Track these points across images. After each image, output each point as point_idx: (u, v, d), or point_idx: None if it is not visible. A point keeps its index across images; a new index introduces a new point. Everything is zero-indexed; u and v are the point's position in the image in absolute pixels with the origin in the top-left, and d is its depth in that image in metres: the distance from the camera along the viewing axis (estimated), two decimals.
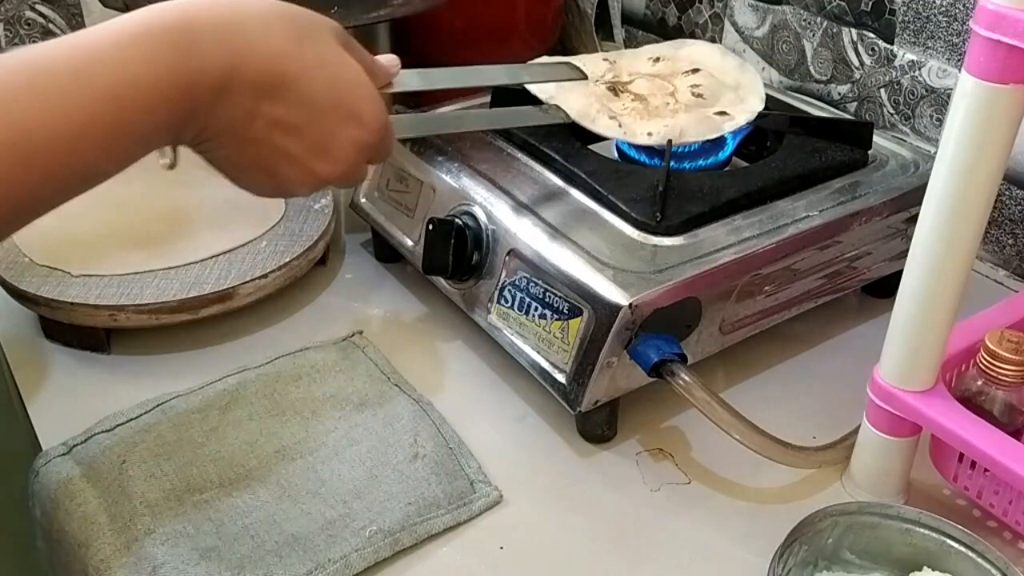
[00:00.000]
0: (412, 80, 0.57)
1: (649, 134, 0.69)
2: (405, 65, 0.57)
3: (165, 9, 0.43)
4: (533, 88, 0.72)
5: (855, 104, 0.91)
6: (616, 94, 0.73)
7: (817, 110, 0.84)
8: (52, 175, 0.39)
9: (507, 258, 0.65)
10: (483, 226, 0.67)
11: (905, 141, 0.82)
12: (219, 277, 0.71)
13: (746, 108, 0.73)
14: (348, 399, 0.65)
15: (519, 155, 0.73)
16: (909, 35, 0.84)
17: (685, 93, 0.74)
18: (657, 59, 0.78)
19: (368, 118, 0.50)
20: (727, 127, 0.72)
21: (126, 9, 0.86)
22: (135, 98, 0.41)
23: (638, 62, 0.78)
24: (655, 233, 0.64)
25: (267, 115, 0.46)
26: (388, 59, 0.56)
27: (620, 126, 0.70)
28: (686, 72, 0.76)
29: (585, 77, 0.73)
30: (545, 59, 0.77)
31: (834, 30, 0.91)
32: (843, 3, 0.89)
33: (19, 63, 0.39)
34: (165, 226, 0.77)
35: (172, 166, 0.49)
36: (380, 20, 0.88)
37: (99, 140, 0.40)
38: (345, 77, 0.49)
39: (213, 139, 0.46)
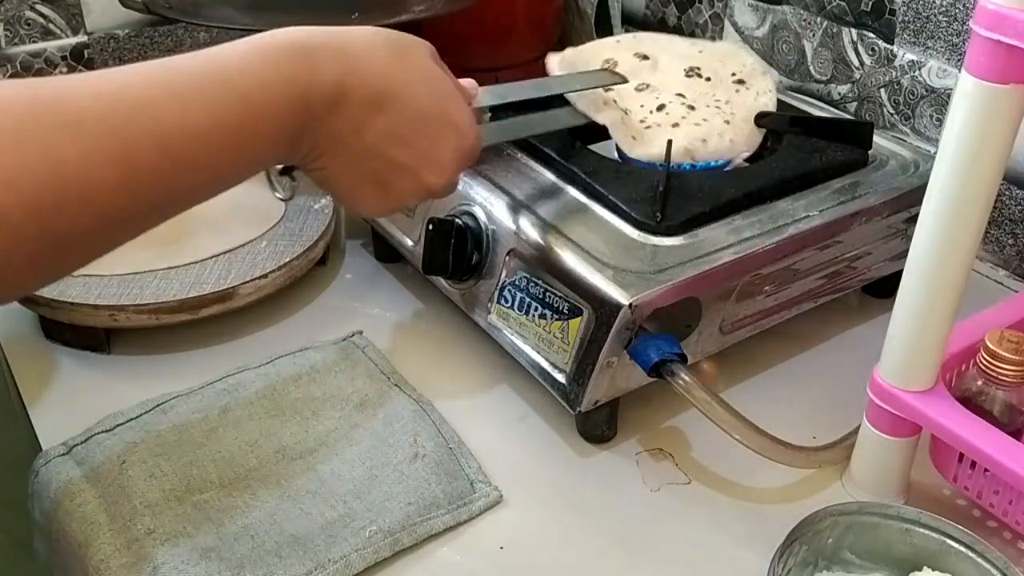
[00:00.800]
0: (485, 97, 0.61)
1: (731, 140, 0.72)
2: None
3: (285, 31, 0.47)
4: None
5: (855, 104, 0.91)
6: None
7: (817, 110, 0.84)
8: (189, 172, 0.43)
9: (507, 258, 0.65)
10: (483, 226, 0.67)
11: (905, 141, 0.82)
12: (219, 277, 0.71)
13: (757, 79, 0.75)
14: (348, 399, 0.65)
15: (519, 155, 0.73)
16: (909, 35, 0.84)
17: (678, 77, 0.75)
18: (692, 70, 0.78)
19: (464, 126, 0.54)
20: (764, 99, 0.74)
21: (145, 9, 0.86)
22: (262, 101, 0.44)
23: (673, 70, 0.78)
24: (655, 233, 0.64)
25: (376, 127, 0.50)
26: (468, 82, 0.59)
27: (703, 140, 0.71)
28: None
29: (625, 80, 0.73)
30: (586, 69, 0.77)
31: (834, 30, 0.91)
32: (843, 3, 0.89)
33: (156, 68, 0.43)
34: (165, 226, 0.77)
35: (290, 198, 0.52)
36: (401, 24, 0.88)
37: (229, 139, 0.43)
38: (443, 90, 0.53)
39: (327, 153, 0.49)
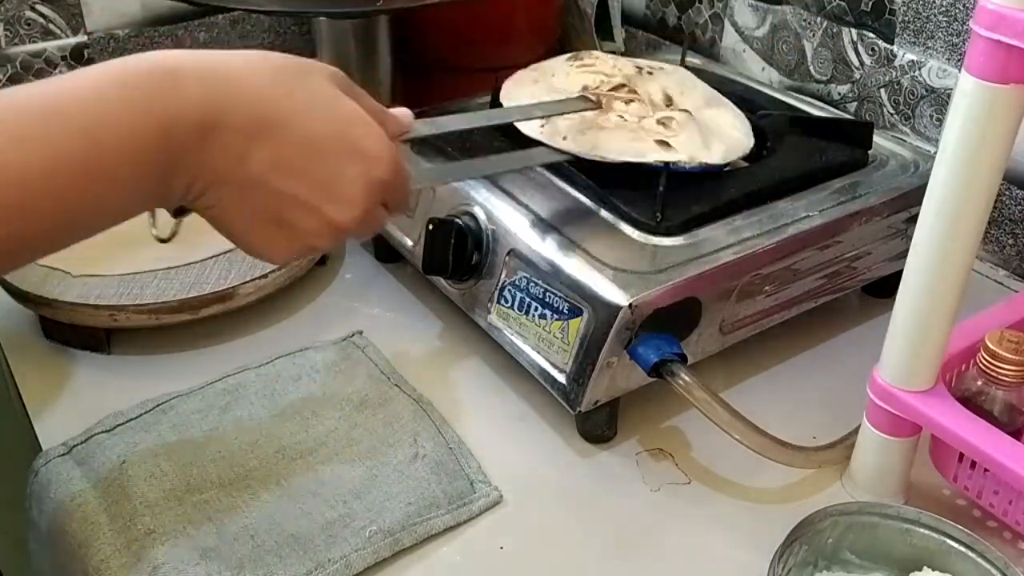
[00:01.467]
0: (424, 128, 0.57)
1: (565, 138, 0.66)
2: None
3: (149, 56, 0.42)
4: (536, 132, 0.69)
5: (855, 104, 0.91)
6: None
7: (817, 110, 0.84)
8: (37, 217, 0.38)
9: (507, 258, 0.65)
10: (483, 226, 0.67)
11: (905, 141, 0.82)
12: (219, 277, 0.71)
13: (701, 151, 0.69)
14: (348, 399, 0.65)
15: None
16: (909, 35, 0.84)
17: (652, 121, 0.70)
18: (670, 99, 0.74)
19: (373, 153, 0.48)
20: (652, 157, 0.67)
21: None
22: (110, 139, 0.39)
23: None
24: (655, 233, 0.64)
25: (260, 157, 0.44)
26: (401, 111, 0.55)
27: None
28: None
29: (599, 106, 0.69)
30: (555, 97, 0.72)
31: (834, 30, 0.91)
32: (843, 3, 0.89)
33: (1, 100, 0.38)
34: (165, 227, 0.77)
35: (168, 239, 0.48)
36: (425, 6, 0.86)
37: (73, 181, 0.39)
38: (342, 114, 0.47)
39: (209, 190, 0.44)
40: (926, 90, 0.84)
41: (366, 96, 0.50)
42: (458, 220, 0.67)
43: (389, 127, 0.51)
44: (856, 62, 0.90)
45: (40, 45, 1.01)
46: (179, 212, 0.48)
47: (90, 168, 0.39)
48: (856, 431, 0.59)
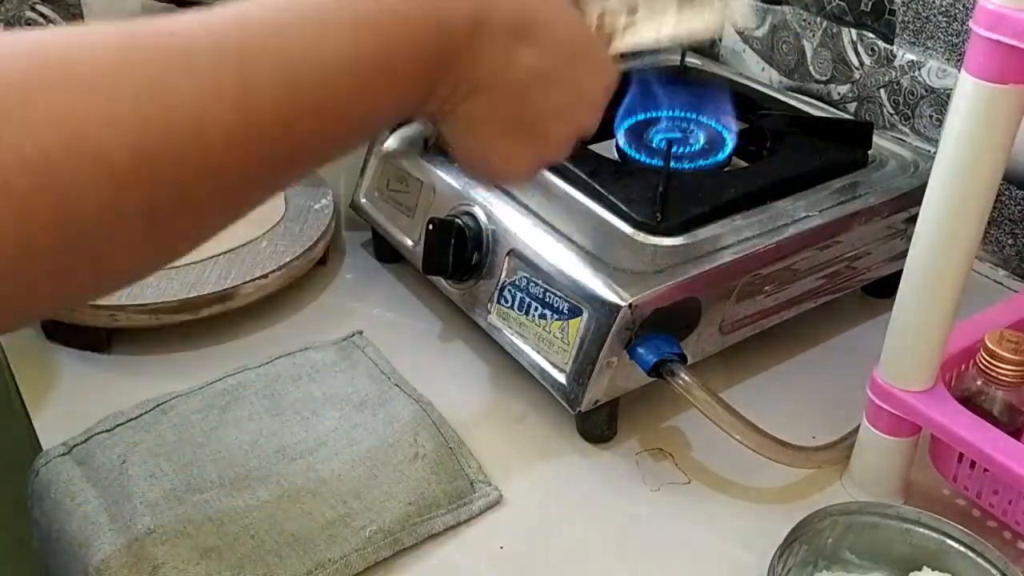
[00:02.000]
0: None
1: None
2: None
3: None
4: None
5: (855, 104, 0.91)
6: None
7: (817, 110, 0.84)
8: (318, 114, 0.36)
9: (507, 258, 0.65)
10: (483, 226, 0.67)
11: (905, 141, 0.82)
12: (219, 277, 0.71)
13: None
14: (348, 399, 0.65)
15: None
16: (909, 35, 0.84)
17: None
18: None
19: (606, 57, 0.48)
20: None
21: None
22: (399, 33, 0.38)
23: None
24: (655, 233, 0.64)
25: (524, 61, 0.42)
26: None
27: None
28: None
29: None
30: None
31: (834, 30, 0.91)
32: (843, 3, 0.90)
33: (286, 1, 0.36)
34: None
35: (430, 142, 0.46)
36: None
37: (368, 78, 0.37)
38: (579, 19, 0.47)
39: (470, 95, 0.42)
40: (926, 90, 0.84)
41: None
42: (458, 220, 0.67)
43: None
44: (856, 62, 0.90)
45: None
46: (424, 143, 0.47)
47: (382, 64, 0.38)
48: (856, 431, 0.59)
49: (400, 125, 0.59)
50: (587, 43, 0.46)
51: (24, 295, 0.31)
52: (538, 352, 0.63)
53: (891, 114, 0.88)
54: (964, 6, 0.79)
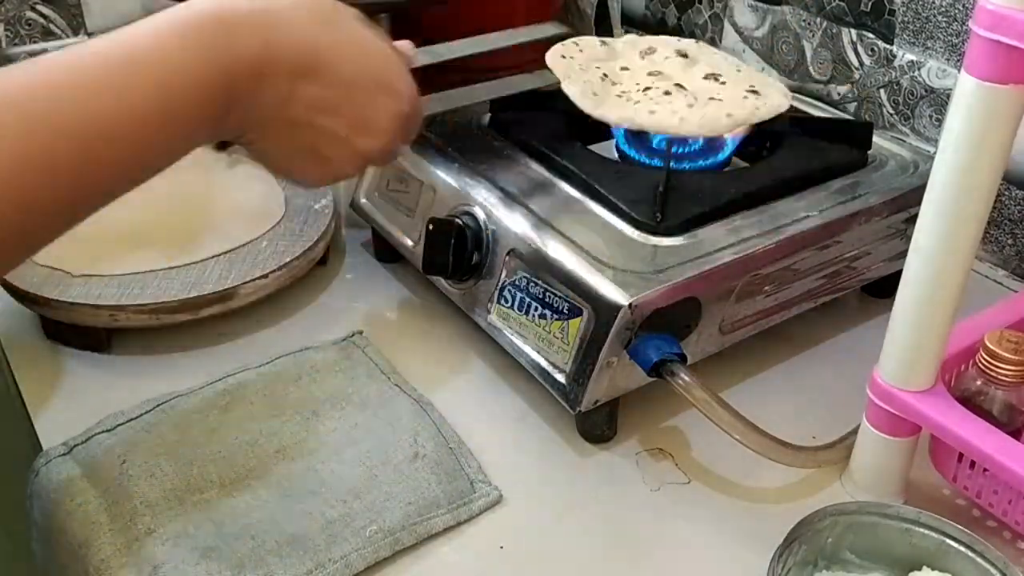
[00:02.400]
0: (423, 57, 0.59)
1: (681, 119, 0.65)
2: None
3: (198, 5, 0.45)
4: None
5: (855, 104, 0.91)
6: (612, 83, 0.70)
7: (817, 110, 0.84)
8: (111, 164, 0.41)
9: (507, 258, 0.65)
10: (483, 226, 0.67)
11: (905, 141, 0.82)
12: (219, 277, 0.71)
13: (773, 94, 0.69)
14: (348, 399, 0.65)
15: (519, 155, 0.73)
16: (909, 35, 0.84)
17: (697, 79, 0.70)
18: (650, 49, 0.75)
19: (402, 88, 0.52)
20: (763, 111, 0.67)
21: None
22: (181, 85, 0.42)
23: (632, 53, 0.75)
24: (655, 233, 0.64)
25: (305, 96, 0.47)
26: (404, 44, 0.57)
27: (651, 112, 0.65)
28: (684, 59, 0.73)
29: (573, 33, 0.72)
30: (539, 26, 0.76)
31: (834, 30, 0.91)
32: (843, 3, 0.90)
33: (74, 58, 0.41)
34: (166, 226, 0.77)
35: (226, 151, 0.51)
36: (398, 6, 0.88)
37: (152, 126, 0.42)
38: (375, 52, 0.51)
39: (257, 128, 0.48)
40: (925, 90, 0.84)
41: (380, 31, 0.53)
42: (458, 220, 0.67)
43: (403, 60, 0.54)
44: (856, 62, 0.90)
45: (40, 45, 1.01)
46: (221, 146, 0.52)
47: (162, 113, 0.42)
48: (856, 431, 0.59)
49: None
50: (375, 77, 0.51)
51: None
52: (538, 352, 0.63)
53: (891, 114, 0.88)
54: (964, 6, 0.79)
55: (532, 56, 0.81)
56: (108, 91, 0.41)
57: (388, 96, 0.51)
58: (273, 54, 0.46)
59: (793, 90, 0.94)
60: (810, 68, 0.95)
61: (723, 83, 0.71)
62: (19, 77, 0.40)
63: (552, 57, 0.72)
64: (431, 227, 0.67)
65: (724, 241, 0.63)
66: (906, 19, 0.84)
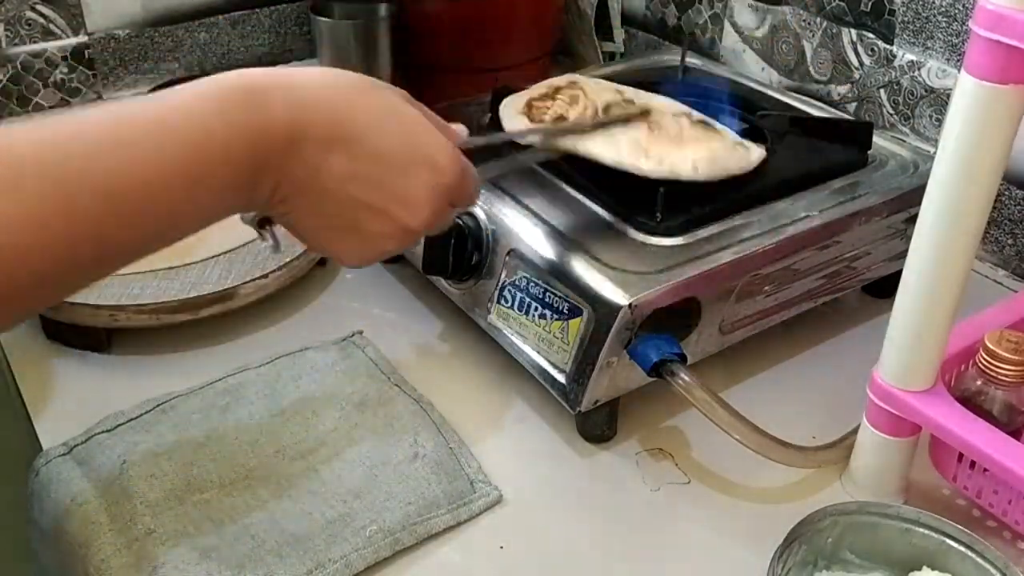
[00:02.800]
0: (476, 141, 0.59)
1: (696, 167, 0.65)
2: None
3: (236, 74, 0.46)
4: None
5: (855, 104, 0.91)
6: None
7: (817, 110, 0.84)
8: (136, 223, 0.42)
9: (507, 258, 0.65)
10: (483, 226, 0.67)
11: (905, 141, 0.82)
12: (220, 277, 0.71)
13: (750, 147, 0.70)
14: (348, 399, 0.65)
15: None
16: (909, 35, 0.84)
17: (686, 125, 0.69)
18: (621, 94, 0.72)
19: (439, 161, 0.50)
20: (754, 158, 0.68)
21: None
22: (211, 148, 0.43)
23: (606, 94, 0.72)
24: (655, 233, 0.64)
25: (337, 167, 0.47)
26: (458, 127, 0.57)
27: (661, 162, 0.65)
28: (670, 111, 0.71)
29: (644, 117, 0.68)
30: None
31: (834, 30, 0.91)
32: (843, 3, 0.90)
33: (106, 115, 0.42)
34: None
35: (276, 248, 0.51)
36: None
37: (178, 188, 0.42)
38: (411, 125, 0.50)
39: (289, 198, 0.47)
40: (925, 90, 0.84)
41: (428, 110, 0.53)
42: (458, 220, 0.67)
43: (450, 137, 0.53)
44: (856, 62, 0.90)
45: (40, 45, 1.01)
46: (263, 223, 0.51)
47: (194, 175, 0.42)
48: (856, 431, 0.59)
49: None
50: (412, 151, 0.50)
51: None
52: (538, 352, 0.63)
53: (891, 114, 0.88)
54: (964, 6, 0.79)
55: (531, 56, 0.81)
56: (138, 152, 0.41)
57: (425, 169, 0.50)
58: (303, 124, 0.46)
59: (793, 90, 0.94)
60: (810, 68, 0.95)
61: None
62: (46, 132, 0.40)
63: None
64: None
65: (724, 241, 0.63)
66: (906, 19, 0.84)
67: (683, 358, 0.59)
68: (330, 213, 0.49)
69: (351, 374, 0.67)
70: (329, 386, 0.66)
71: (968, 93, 0.45)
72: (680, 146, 0.66)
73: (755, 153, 0.69)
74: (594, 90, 0.71)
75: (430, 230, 0.53)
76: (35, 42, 1.00)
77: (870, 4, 0.87)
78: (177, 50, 1.08)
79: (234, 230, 0.76)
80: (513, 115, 0.71)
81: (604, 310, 0.58)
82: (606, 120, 0.68)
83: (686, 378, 0.57)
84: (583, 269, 0.60)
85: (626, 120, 0.68)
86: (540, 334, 0.62)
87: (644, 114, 0.68)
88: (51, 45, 1.01)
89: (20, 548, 0.66)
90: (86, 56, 1.03)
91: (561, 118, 0.69)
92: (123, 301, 0.68)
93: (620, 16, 1.14)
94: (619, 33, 1.15)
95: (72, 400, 0.66)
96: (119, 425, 0.62)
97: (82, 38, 1.02)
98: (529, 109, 0.70)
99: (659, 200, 0.64)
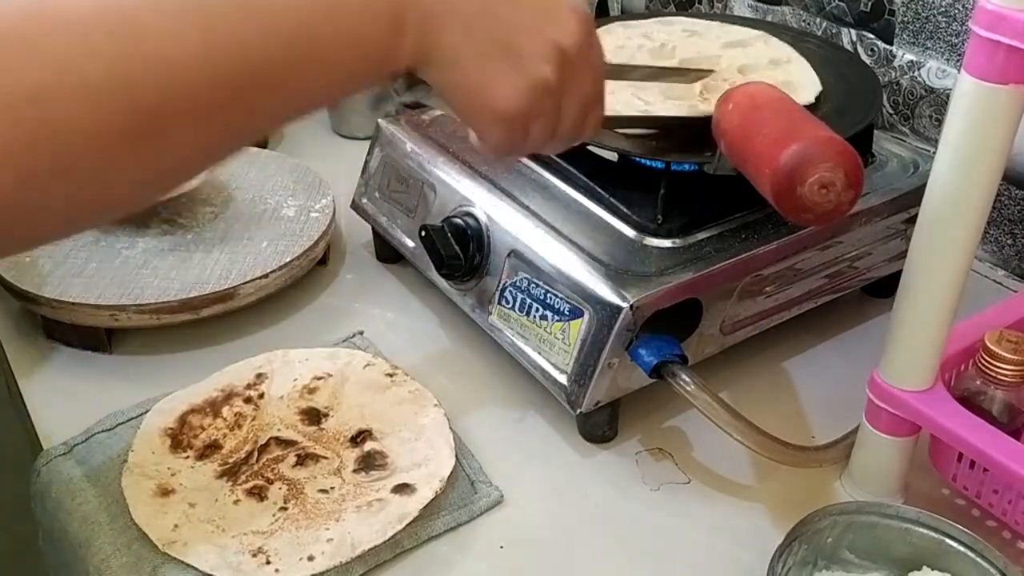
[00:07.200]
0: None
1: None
2: None
3: None
4: None
5: None
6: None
7: None
8: (276, 43, 0.39)
9: (508, 259, 0.65)
10: (483, 226, 0.67)
11: (905, 141, 0.82)
12: (219, 277, 0.71)
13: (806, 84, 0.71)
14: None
15: (519, 157, 0.73)
16: (908, 35, 0.84)
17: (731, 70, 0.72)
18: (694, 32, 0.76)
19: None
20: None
21: None
22: None
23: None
24: (656, 234, 0.64)
25: None
26: None
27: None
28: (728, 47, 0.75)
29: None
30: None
31: (834, 30, 0.91)
32: (843, 4, 0.90)
33: None
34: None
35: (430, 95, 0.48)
36: None
37: (323, 22, 0.40)
38: None
39: (442, 26, 0.44)
40: (925, 90, 0.84)
41: None
42: (458, 220, 0.67)
43: None
44: None
45: None
46: (411, 83, 0.48)
47: (335, 13, 0.40)
48: (855, 431, 0.59)
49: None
50: None
51: (22, 223, 0.35)
52: (539, 353, 0.63)
53: (891, 114, 0.88)
54: (964, 6, 0.79)
55: None
56: None
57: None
58: None
59: None
60: None
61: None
62: None
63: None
64: (423, 234, 0.67)
65: (725, 242, 0.63)
66: (906, 19, 0.84)
67: (684, 359, 0.59)
68: (482, 38, 0.45)
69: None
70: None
71: (968, 93, 0.46)
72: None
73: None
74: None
75: (583, 55, 0.48)
76: None
77: (870, 4, 0.87)
78: None
79: (234, 230, 0.76)
80: None
81: (605, 311, 0.58)
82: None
83: (687, 380, 0.57)
84: (584, 270, 0.60)
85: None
86: (541, 335, 0.62)
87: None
88: None
89: (22, 548, 0.66)
90: None
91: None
92: (123, 301, 0.68)
93: (620, 15, 1.14)
94: None
95: (72, 400, 0.66)
96: (119, 424, 0.62)
97: None
98: None
99: (660, 201, 0.64)
